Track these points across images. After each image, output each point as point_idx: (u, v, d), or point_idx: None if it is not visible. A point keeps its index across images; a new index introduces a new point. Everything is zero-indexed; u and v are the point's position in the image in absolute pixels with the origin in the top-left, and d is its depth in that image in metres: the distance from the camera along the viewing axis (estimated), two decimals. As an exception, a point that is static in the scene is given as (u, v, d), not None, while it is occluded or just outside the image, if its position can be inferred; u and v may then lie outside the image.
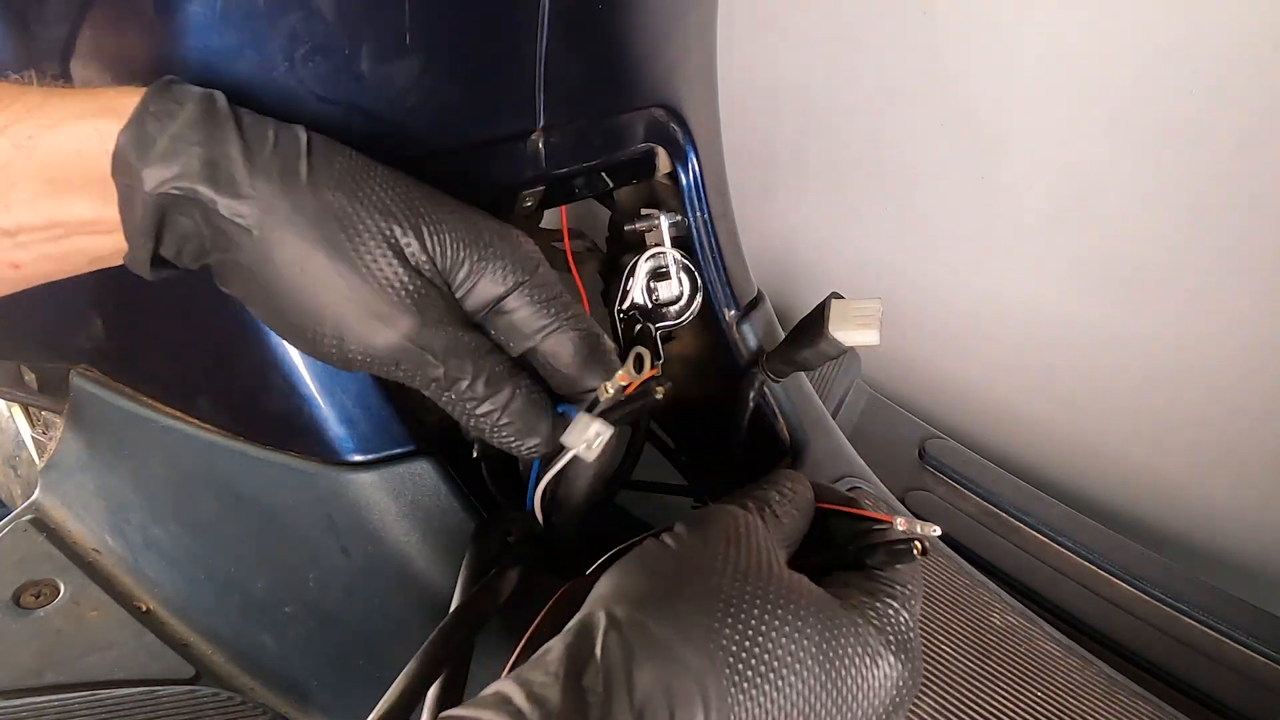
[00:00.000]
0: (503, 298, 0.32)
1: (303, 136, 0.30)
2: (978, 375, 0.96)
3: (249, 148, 0.28)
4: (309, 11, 0.35)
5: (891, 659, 0.28)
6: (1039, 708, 0.43)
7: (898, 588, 0.31)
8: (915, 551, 0.31)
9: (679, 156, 0.56)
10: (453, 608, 0.36)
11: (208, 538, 0.47)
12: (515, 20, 0.43)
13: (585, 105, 0.49)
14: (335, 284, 0.29)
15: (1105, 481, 0.88)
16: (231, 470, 0.45)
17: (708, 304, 0.58)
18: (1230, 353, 0.75)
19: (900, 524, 0.33)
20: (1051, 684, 0.45)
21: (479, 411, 0.32)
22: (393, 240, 0.30)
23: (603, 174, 0.53)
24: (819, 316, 0.51)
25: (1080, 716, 0.43)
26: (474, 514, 0.44)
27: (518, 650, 0.32)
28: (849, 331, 0.50)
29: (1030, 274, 0.87)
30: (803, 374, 0.65)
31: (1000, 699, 0.43)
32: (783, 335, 0.58)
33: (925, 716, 0.42)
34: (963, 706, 0.42)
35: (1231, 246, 0.72)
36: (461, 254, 0.31)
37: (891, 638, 0.29)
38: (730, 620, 0.26)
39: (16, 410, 0.73)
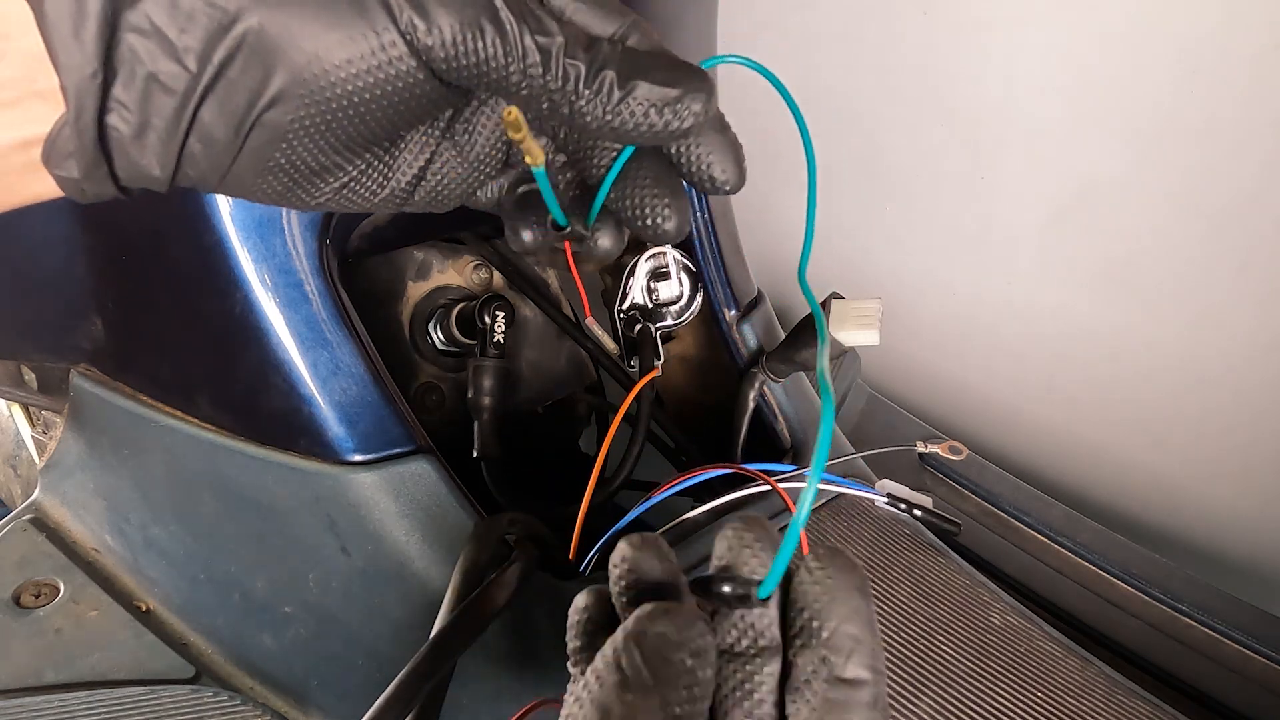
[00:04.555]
0: None
1: None
2: (978, 375, 0.96)
3: None
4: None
5: None
6: (1039, 708, 0.43)
7: None
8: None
9: (679, 156, 0.56)
10: (443, 609, 0.36)
11: (208, 538, 0.47)
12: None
13: (585, 105, 0.49)
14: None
15: (1105, 481, 0.88)
16: (231, 470, 0.45)
17: (708, 304, 0.58)
18: (1230, 352, 0.75)
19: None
20: (1051, 684, 0.45)
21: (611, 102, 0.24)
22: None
23: (603, 174, 0.53)
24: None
25: (1080, 716, 0.43)
26: (474, 514, 0.44)
27: None
28: (849, 331, 0.50)
29: (1030, 274, 0.87)
30: (803, 374, 0.65)
31: (1000, 699, 0.43)
32: (783, 335, 0.58)
33: (925, 716, 0.42)
34: (962, 706, 0.42)
35: (1231, 246, 0.72)
36: None
37: None
38: None
39: (16, 410, 0.73)
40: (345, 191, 0.26)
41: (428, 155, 0.27)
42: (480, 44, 0.22)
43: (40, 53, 0.21)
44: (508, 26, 0.22)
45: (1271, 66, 0.65)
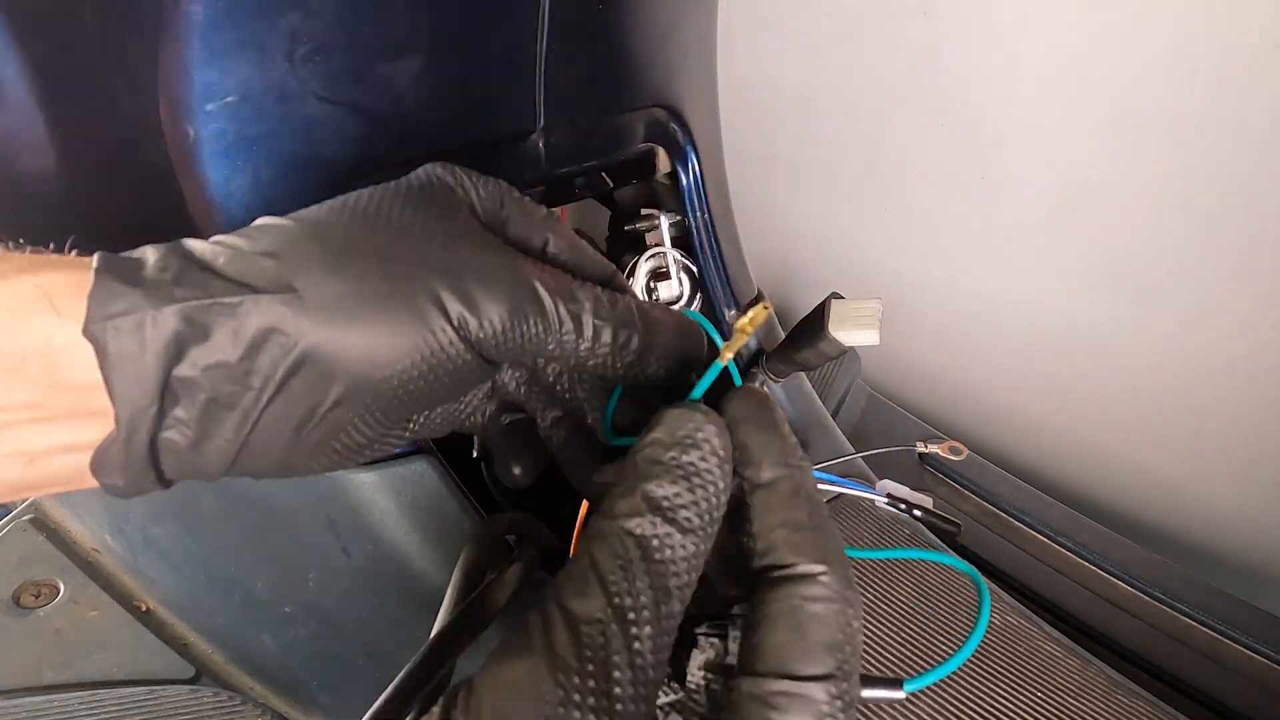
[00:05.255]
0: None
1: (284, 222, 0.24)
2: (977, 375, 0.96)
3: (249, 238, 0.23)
4: (309, 11, 0.35)
5: None
6: (1039, 708, 0.43)
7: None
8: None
9: (679, 156, 0.56)
10: (443, 608, 0.36)
11: (208, 538, 0.47)
12: (515, 21, 0.43)
13: (585, 105, 0.49)
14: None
15: (1105, 481, 0.88)
16: (231, 470, 0.45)
17: (708, 304, 0.58)
18: (1230, 353, 0.75)
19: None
20: (1051, 684, 0.45)
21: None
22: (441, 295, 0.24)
23: (603, 174, 0.53)
24: (819, 316, 0.51)
25: (1080, 716, 0.43)
26: (474, 514, 0.44)
27: None
28: (849, 331, 0.50)
29: (1030, 274, 0.87)
30: (803, 374, 0.65)
31: (1000, 699, 0.43)
32: (783, 335, 0.58)
33: (925, 716, 0.42)
34: (962, 706, 0.42)
35: (1231, 246, 0.72)
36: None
37: None
38: None
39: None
40: (377, 448, 0.27)
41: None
42: (524, 327, 0.24)
43: (96, 382, 0.21)
44: (547, 306, 0.24)
45: (1271, 66, 0.65)
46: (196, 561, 0.48)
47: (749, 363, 0.59)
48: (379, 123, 0.40)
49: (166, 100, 0.35)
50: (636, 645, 0.18)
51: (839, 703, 0.19)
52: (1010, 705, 0.43)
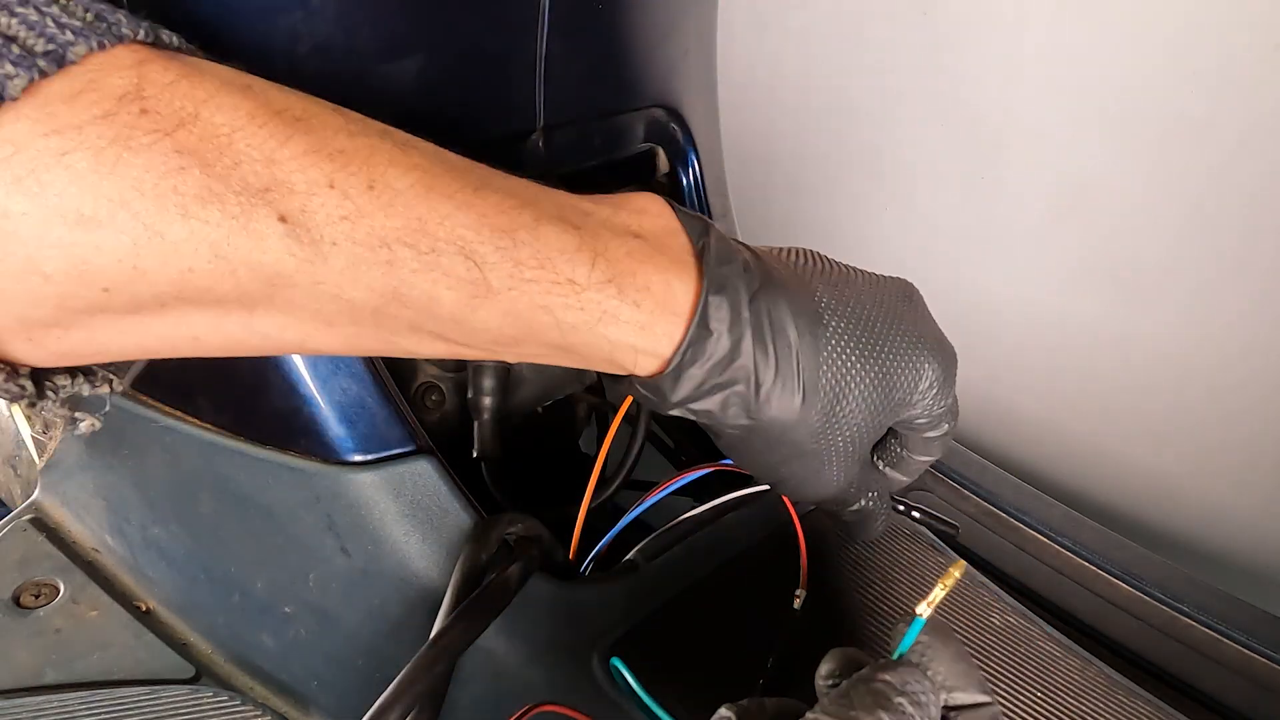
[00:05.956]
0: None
1: (794, 339, 0.31)
2: (977, 375, 0.96)
3: (759, 385, 0.31)
4: (309, 11, 0.35)
5: None
6: (1039, 708, 0.43)
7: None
8: None
9: (679, 156, 0.56)
10: (443, 608, 0.36)
11: (208, 538, 0.47)
12: (515, 20, 0.43)
13: (585, 105, 0.49)
14: (804, 476, 0.34)
15: (1105, 481, 0.88)
16: (231, 470, 0.45)
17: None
18: (1231, 352, 0.75)
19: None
20: (1051, 684, 0.45)
21: (859, 519, 0.39)
22: (855, 448, 0.34)
23: (603, 174, 0.53)
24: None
25: (1080, 716, 0.43)
26: (474, 514, 0.44)
27: None
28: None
29: (1030, 274, 0.87)
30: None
31: (1000, 699, 0.43)
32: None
33: (925, 716, 0.41)
34: (963, 706, 0.42)
35: (1232, 246, 0.72)
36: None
37: None
38: None
39: (16, 410, 0.73)
40: None
41: None
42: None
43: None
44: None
45: (1271, 66, 0.65)
46: (196, 561, 0.48)
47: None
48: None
49: (166, 100, 0.35)
50: None
51: None
52: (1010, 705, 0.43)
